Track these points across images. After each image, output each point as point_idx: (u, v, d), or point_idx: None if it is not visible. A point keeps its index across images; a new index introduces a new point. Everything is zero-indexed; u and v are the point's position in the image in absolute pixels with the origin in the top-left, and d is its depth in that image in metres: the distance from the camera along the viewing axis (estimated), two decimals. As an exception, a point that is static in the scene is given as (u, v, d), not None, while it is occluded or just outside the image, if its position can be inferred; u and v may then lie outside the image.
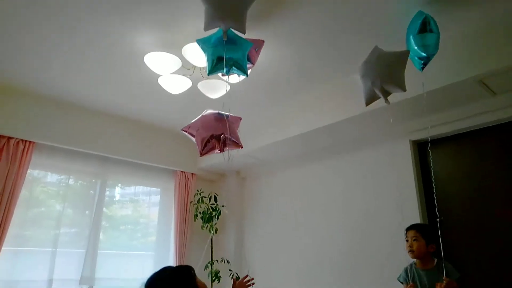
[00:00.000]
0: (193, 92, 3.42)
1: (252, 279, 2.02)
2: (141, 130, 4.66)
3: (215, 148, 2.60)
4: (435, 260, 2.51)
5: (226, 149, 2.62)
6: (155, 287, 1.58)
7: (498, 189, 3.05)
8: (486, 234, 3.04)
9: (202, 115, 2.75)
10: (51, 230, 3.92)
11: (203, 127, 2.62)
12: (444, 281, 2.28)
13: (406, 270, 2.60)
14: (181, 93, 3.36)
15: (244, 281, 2.03)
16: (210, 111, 2.79)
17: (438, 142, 3.36)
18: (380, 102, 3.20)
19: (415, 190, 3.40)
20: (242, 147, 2.74)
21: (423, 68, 2.52)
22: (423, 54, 2.45)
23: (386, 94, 2.33)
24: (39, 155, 3.91)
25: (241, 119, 2.88)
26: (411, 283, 2.48)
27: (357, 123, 3.59)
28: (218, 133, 2.57)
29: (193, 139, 2.71)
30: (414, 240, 2.53)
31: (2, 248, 3.46)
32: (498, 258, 2.94)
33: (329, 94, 3.71)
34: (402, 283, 2.62)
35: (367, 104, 2.49)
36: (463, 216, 3.18)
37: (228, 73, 2.34)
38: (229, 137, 2.55)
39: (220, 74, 2.50)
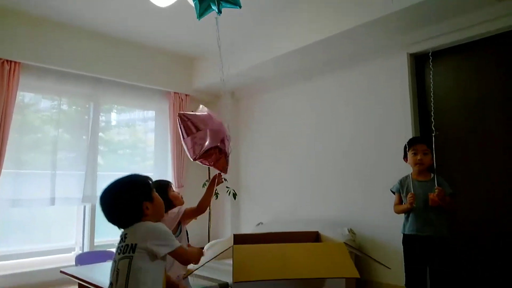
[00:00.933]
0: (182, 4, 3.22)
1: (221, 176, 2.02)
2: (133, 50, 4.50)
3: (210, 161, 2.03)
4: (432, 174, 2.55)
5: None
6: (109, 191, 1.45)
7: (496, 102, 3.03)
8: (481, 149, 3.09)
9: (210, 119, 2.08)
10: (49, 155, 3.99)
11: (207, 134, 1.98)
12: (436, 190, 2.36)
13: (400, 181, 2.66)
14: (170, 6, 3.15)
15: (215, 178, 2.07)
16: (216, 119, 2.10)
17: (436, 54, 3.26)
18: (376, 13, 3.06)
19: (409, 104, 3.39)
20: (226, 174, 2.19)
21: None
22: None
23: None
24: (27, 77, 3.82)
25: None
26: (411, 191, 2.50)
27: (352, 37, 3.45)
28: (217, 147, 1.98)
29: (184, 133, 2.05)
30: (425, 154, 2.51)
31: (2, 170, 3.55)
32: (490, 173, 3.04)
33: (323, 7, 3.52)
34: (394, 193, 2.71)
35: None
36: (458, 130, 3.21)
37: (220, 11, 2.08)
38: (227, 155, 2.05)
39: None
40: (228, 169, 5.19)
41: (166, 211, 1.87)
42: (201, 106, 2.22)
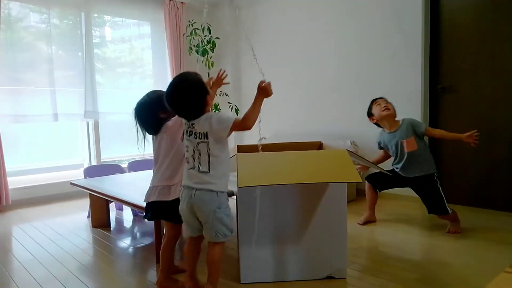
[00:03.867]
0: None
1: (224, 71, 1.97)
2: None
3: None
4: (400, 121, 2.61)
5: None
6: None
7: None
8: (489, 64, 2.98)
9: None
10: (46, 73, 3.89)
11: None
12: (404, 143, 2.51)
13: (379, 140, 2.75)
14: None
15: (219, 76, 1.97)
16: None
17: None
18: None
19: (421, 11, 3.17)
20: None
21: None
22: None
23: None
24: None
25: None
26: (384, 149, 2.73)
27: None
28: None
29: None
30: (387, 103, 2.62)
31: (1, 87, 3.50)
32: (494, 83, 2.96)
33: None
34: (381, 148, 2.81)
35: None
36: (467, 46, 3.06)
37: None
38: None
39: None
40: (231, 85, 5.03)
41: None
42: None
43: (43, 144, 4.07)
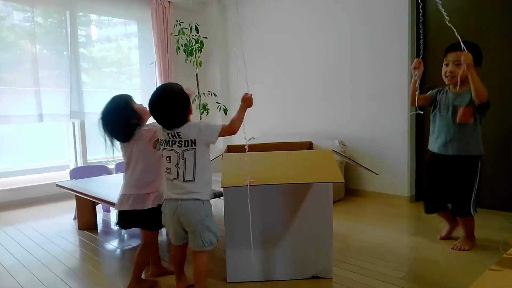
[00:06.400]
0: None
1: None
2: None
3: None
4: (469, 86, 2.08)
5: None
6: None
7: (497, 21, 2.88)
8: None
9: None
10: (31, 73, 3.82)
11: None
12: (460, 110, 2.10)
13: (438, 90, 2.29)
14: None
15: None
16: None
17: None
18: None
19: (407, 13, 3.20)
20: None
21: None
22: None
23: None
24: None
25: None
26: (444, 103, 2.19)
27: None
28: None
29: None
30: (457, 64, 2.09)
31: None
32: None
33: None
34: (425, 92, 2.35)
35: None
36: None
37: None
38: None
39: None
40: (216, 83, 5.01)
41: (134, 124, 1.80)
42: None
43: (27, 145, 4.00)
